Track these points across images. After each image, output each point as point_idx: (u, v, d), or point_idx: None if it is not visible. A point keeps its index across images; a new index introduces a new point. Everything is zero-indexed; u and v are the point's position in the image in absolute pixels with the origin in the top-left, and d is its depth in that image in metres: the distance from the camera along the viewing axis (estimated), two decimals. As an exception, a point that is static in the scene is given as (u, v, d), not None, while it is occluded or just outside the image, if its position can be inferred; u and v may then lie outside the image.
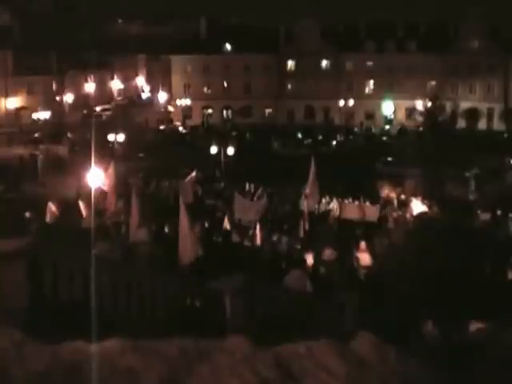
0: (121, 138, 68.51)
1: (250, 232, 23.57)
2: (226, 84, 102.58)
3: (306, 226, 26.04)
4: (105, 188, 23.04)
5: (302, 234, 24.99)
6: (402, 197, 38.83)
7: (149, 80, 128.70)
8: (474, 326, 9.95)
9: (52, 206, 21.79)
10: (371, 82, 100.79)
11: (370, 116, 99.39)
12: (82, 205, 21.84)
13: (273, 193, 34.95)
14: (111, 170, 22.54)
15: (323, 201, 32.82)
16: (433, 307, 13.04)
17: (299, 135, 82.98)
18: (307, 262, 18.69)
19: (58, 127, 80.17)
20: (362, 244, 21.66)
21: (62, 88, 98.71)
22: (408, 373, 2.85)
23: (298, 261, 18.63)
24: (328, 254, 19.86)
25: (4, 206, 24.49)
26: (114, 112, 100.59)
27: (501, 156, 58.32)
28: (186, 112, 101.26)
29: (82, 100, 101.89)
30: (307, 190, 30.32)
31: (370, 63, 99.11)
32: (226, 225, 21.92)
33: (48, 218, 20.73)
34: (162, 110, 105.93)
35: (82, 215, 20.93)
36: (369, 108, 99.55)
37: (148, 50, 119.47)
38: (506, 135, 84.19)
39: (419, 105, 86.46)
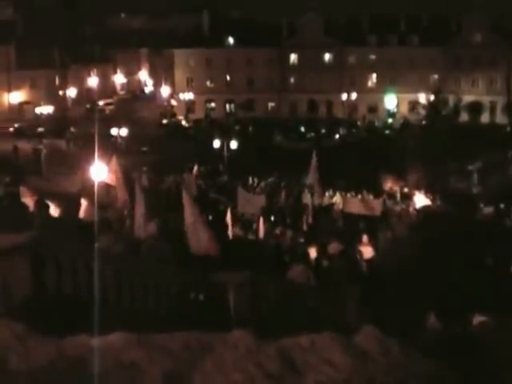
0: (124, 132, 68.66)
1: (254, 225, 23.60)
2: (228, 78, 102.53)
3: (310, 220, 26.04)
4: (109, 182, 23.03)
5: (305, 227, 25.00)
6: (405, 190, 38.87)
7: (152, 74, 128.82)
8: (477, 319, 9.96)
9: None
10: (374, 75, 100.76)
11: (373, 109, 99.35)
12: (84, 201, 21.84)
13: (275, 186, 34.98)
14: (114, 164, 22.50)
15: (326, 194, 32.83)
16: (436, 300, 13.05)
17: (302, 129, 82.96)
18: (310, 255, 18.71)
19: (61, 122, 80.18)
20: (365, 237, 21.68)
21: (65, 82, 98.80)
22: (411, 366, 2.85)
23: (301, 254, 18.65)
24: (333, 247, 19.87)
25: (8, 200, 24.48)
26: (116, 106, 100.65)
27: (504, 149, 58.28)
28: (189, 106, 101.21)
29: (85, 94, 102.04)
30: (310, 181, 30.44)
31: (372, 57, 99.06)
32: (228, 219, 21.91)
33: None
34: (165, 104, 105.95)
35: (83, 211, 20.90)
36: (371, 101, 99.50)
37: (151, 44, 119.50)
38: (508, 129, 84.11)
39: (422, 98, 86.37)
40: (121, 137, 67.74)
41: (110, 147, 46.82)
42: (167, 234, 18.26)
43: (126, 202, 21.51)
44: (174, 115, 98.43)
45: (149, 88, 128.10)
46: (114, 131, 68.57)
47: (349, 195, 32.30)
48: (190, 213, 16.83)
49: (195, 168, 36.94)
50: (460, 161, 50.91)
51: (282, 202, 31.15)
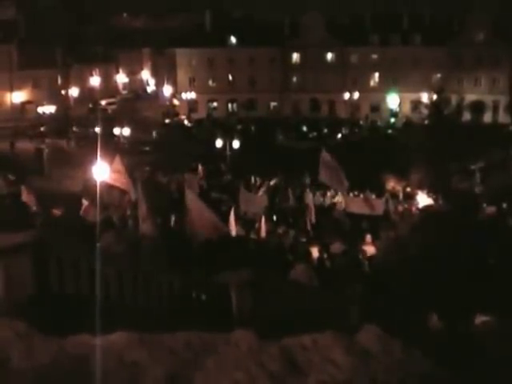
0: (126, 131, 68.71)
1: (256, 225, 23.59)
2: (230, 77, 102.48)
3: (313, 219, 26.03)
4: (111, 182, 23.01)
5: (308, 227, 25.00)
6: (408, 190, 38.86)
7: (154, 74, 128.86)
8: (480, 320, 9.95)
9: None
10: (376, 75, 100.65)
11: (376, 109, 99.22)
12: (85, 201, 21.89)
13: (278, 186, 34.95)
14: (117, 164, 22.47)
15: (328, 194, 32.82)
16: (438, 300, 13.05)
17: (304, 128, 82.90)
18: (312, 255, 18.73)
19: (63, 121, 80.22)
20: (368, 237, 21.69)
21: (68, 82, 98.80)
22: (413, 365, 2.85)
23: (303, 254, 18.65)
24: (336, 247, 19.90)
25: (10, 200, 24.54)
26: (119, 106, 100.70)
27: (506, 149, 58.18)
28: (191, 105, 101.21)
29: (88, 94, 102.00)
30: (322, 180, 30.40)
31: (374, 56, 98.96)
32: (232, 218, 21.88)
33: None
34: (167, 103, 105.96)
35: (85, 211, 20.93)
36: (374, 101, 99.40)
37: (153, 44, 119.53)
38: (511, 128, 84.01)
39: (424, 98, 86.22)
40: (123, 136, 67.79)
41: (113, 147, 46.91)
42: (168, 234, 18.28)
43: (130, 202, 21.53)
44: (176, 115, 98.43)
45: (151, 87, 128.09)
46: (116, 131, 68.67)
47: (351, 195, 32.26)
48: (194, 205, 16.99)
49: (199, 168, 36.85)
50: (462, 160, 50.83)
51: (284, 202, 31.13)
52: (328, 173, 30.34)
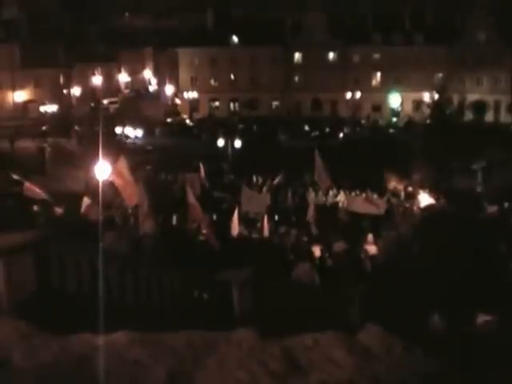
0: (128, 130, 68.79)
1: (258, 224, 23.61)
2: (232, 76, 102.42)
3: (309, 218, 26.01)
4: (114, 181, 22.97)
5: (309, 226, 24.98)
6: (410, 189, 38.85)
7: (156, 73, 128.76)
8: (481, 319, 9.96)
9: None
10: (378, 74, 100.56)
11: (377, 108, 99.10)
12: (86, 200, 21.88)
13: (280, 185, 34.95)
14: (121, 165, 22.39)
15: (330, 193, 32.81)
16: (439, 299, 13.05)
17: (306, 128, 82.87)
18: (315, 254, 18.74)
19: (65, 120, 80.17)
20: (370, 236, 21.69)
21: (70, 81, 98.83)
22: (414, 365, 2.86)
23: (305, 253, 18.67)
24: (338, 246, 19.91)
25: (12, 199, 24.53)
26: (121, 105, 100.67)
27: (508, 148, 58.15)
28: (193, 105, 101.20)
29: (90, 93, 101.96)
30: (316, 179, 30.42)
31: (376, 56, 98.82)
32: (235, 217, 21.89)
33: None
34: (169, 102, 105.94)
35: (87, 210, 20.93)
36: (376, 100, 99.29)
37: (155, 43, 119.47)
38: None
39: (426, 97, 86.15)
40: (125, 135, 67.84)
41: (115, 146, 46.87)
42: (170, 233, 18.30)
43: (133, 202, 21.54)
44: (178, 114, 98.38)
45: (153, 87, 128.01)
46: (118, 130, 68.73)
47: (353, 194, 32.27)
48: (193, 210, 17.04)
49: (201, 167, 36.83)
50: (464, 160, 50.85)
51: (286, 201, 31.14)
52: (321, 173, 30.50)
